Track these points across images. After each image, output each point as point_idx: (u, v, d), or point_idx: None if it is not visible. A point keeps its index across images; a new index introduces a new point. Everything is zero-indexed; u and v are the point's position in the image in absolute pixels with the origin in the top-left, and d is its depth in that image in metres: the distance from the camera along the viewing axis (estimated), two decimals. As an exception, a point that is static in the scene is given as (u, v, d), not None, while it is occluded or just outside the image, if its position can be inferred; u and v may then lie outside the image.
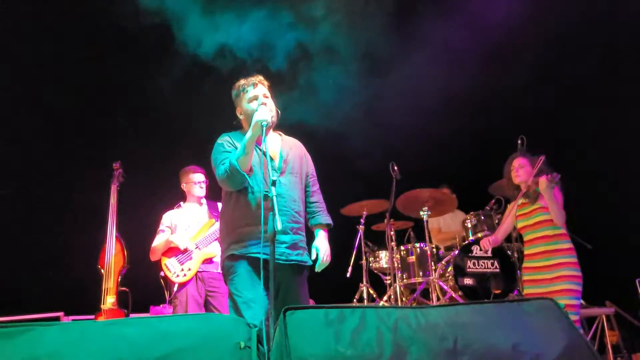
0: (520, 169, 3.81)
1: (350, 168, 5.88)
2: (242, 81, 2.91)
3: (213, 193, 4.14)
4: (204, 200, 4.32)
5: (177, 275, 3.95)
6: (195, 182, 4.24)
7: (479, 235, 5.06)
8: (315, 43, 5.29)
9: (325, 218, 3.01)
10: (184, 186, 4.31)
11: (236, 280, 2.64)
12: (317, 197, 3.04)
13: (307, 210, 2.98)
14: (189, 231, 4.11)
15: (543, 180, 3.58)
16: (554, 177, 3.51)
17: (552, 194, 3.56)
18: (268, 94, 2.89)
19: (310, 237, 2.95)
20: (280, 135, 3.00)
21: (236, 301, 2.60)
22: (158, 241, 4.12)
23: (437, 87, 5.78)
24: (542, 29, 5.41)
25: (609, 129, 5.33)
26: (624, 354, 4.87)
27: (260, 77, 2.92)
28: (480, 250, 4.73)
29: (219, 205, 4.18)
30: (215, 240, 4.06)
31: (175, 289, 4.08)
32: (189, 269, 3.96)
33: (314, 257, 2.85)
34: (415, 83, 5.95)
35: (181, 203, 4.34)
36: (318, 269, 2.89)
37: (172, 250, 4.05)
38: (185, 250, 4.00)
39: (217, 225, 4.04)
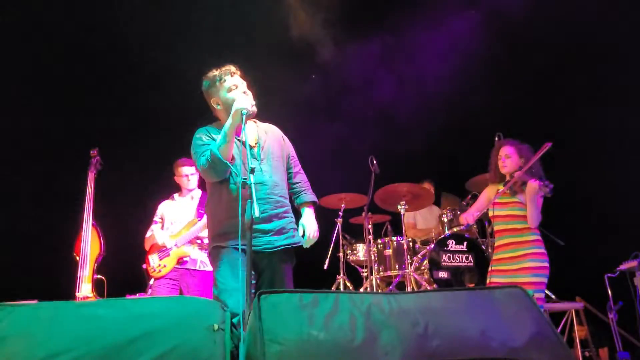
0: (506, 159, 3.69)
1: (330, 160, 5.90)
2: (216, 71, 2.83)
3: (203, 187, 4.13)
4: (195, 194, 4.33)
5: (154, 270, 4.09)
6: (183, 175, 4.28)
7: (455, 230, 5.14)
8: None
9: (310, 196, 3.01)
10: (176, 179, 4.35)
11: (221, 269, 2.65)
12: (300, 177, 3.04)
13: (291, 191, 2.98)
14: (172, 227, 4.19)
15: (534, 186, 3.44)
16: (547, 186, 3.37)
17: (536, 198, 3.48)
18: (245, 83, 2.86)
19: (297, 218, 2.94)
20: (255, 122, 2.97)
21: (219, 288, 2.61)
22: (150, 232, 4.23)
23: (418, 82, 5.86)
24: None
25: (584, 129, 5.45)
26: (591, 349, 5.00)
27: (234, 68, 2.84)
28: (456, 244, 4.81)
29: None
30: (192, 241, 4.11)
31: (151, 282, 4.14)
32: (164, 266, 4.08)
33: (301, 233, 2.85)
34: (398, 78, 6.02)
35: (175, 195, 4.35)
36: (305, 245, 2.89)
37: (156, 245, 4.15)
38: (164, 247, 4.09)
39: (199, 224, 4.06)
